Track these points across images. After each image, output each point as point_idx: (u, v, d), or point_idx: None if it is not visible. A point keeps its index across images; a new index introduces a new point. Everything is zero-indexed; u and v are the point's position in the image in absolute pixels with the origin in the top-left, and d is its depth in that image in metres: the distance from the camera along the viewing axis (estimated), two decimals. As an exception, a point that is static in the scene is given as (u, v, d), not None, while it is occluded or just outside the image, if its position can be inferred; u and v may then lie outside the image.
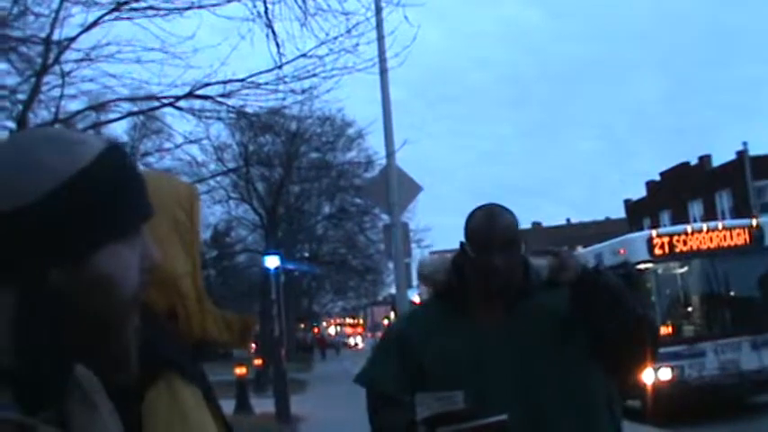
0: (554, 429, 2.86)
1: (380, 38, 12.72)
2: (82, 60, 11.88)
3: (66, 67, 11.91)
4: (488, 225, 2.91)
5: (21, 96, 12.31)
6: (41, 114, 12.44)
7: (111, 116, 12.77)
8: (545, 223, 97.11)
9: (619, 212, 65.82)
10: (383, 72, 13.54)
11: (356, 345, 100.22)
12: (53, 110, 12.31)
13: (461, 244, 3.03)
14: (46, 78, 11.86)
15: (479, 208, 3.02)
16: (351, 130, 34.32)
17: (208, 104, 11.85)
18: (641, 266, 15.31)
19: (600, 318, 2.81)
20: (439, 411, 2.63)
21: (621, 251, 15.81)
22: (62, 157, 1.15)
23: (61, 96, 12.00)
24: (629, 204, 60.24)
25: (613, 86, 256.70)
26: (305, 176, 33.85)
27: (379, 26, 12.53)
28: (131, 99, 12.20)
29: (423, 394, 2.71)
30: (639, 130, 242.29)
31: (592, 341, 2.84)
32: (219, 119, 13.12)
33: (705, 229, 15.75)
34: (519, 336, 2.91)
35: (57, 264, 1.12)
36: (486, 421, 2.59)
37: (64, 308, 1.13)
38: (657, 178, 55.69)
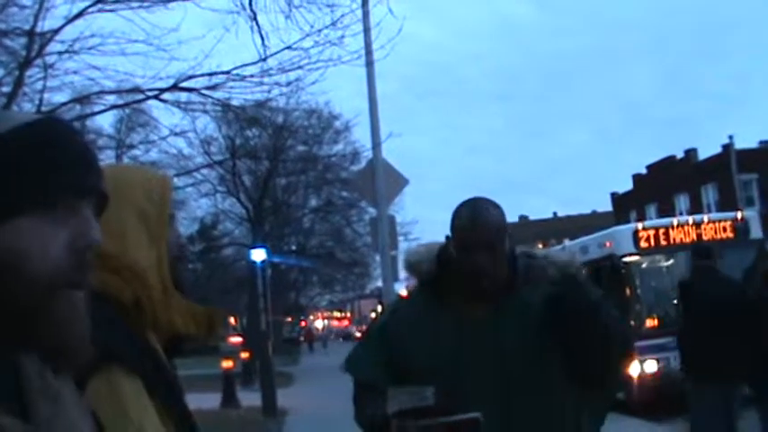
0: (523, 428, 2.85)
1: (366, 30, 12.68)
2: (66, 52, 11.82)
3: (50, 60, 11.86)
4: (472, 226, 2.86)
5: (5, 89, 12.25)
6: (26, 107, 12.35)
7: (96, 109, 12.70)
8: (532, 216, 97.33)
9: (605, 206, 65.96)
10: (369, 64, 13.50)
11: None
12: (36, 103, 12.22)
13: (447, 237, 3.00)
14: (30, 71, 11.79)
15: (464, 204, 2.96)
16: (337, 123, 34.33)
17: (193, 97, 11.82)
18: (627, 259, 15.34)
19: (573, 338, 2.77)
20: (408, 406, 2.65)
21: (608, 244, 15.83)
22: None
23: (43, 89, 11.93)
24: (615, 197, 60.30)
25: (603, 80, 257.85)
26: (291, 169, 33.76)
27: (365, 18, 12.50)
28: (116, 92, 12.13)
29: (395, 388, 2.75)
30: (627, 123, 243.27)
31: (562, 355, 2.81)
32: (205, 112, 13.08)
33: (691, 222, 15.78)
34: (500, 331, 2.89)
35: None
36: (458, 418, 2.59)
37: None
38: (644, 171, 55.79)
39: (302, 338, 79.48)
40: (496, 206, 2.94)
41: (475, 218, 2.87)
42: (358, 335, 71.39)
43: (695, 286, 8.81)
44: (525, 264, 2.97)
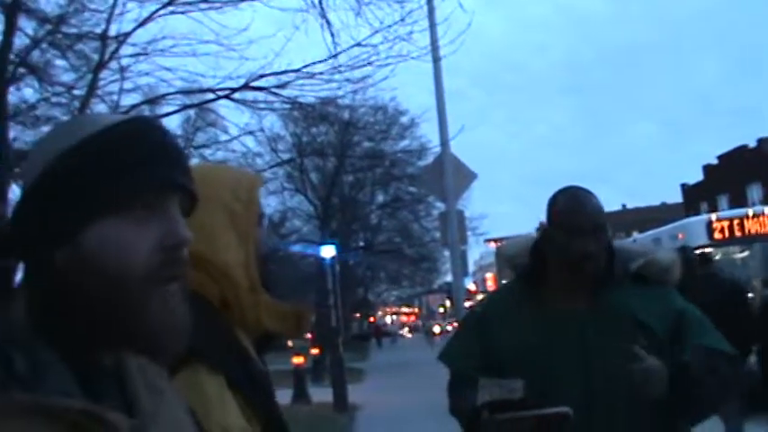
0: (605, 427, 2.81)
1: (432, 25, 12.67)
2: (138, 55, 12.01)
3: (123, 62, 12.04)
4: (577, 209, 2.85)
5: (76, 92, 12.48)
6: (98, 109, 12.56)
7: (167, 109, 12.86)
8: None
9: (675, 197, 65.08)
10: (436, 60, 13.49)
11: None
12: (109, 105, 12.42)
13: (543, 228, 2.98)
14: (102, 74, 11.99)
15: (563, 191, 2.95)
16: (403, 119, 34.33)
17: (262, 96, 11.91)
18: (700, 251, 15.05)
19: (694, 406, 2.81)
20: (497, 398, 2.64)
21: (680, 236, 15.45)
22: (55, 138, 1.16)
23: (120, 91, 12.12)
24: (685, 188, 59.34)
25: (672, 70, 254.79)
26: (358, 166, 33.89)
27: (431, 14, 12.50)
28: (187, 92, 12.28)
29: (485, 379, 2.72)
30: (697, 113, 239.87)
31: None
32: (273, 110, 13.16)
33: (766, 212, 15.46)
34: (593, 328, 2.86)
35: (50, 246, 1.11)
36: (546, 412, 2.58)
37: (69, 291, 1.11)
38: (715, 162, 54.82)
39: (383, 332, 79.91)
40: (594, 194, 2.93)
41: (578, 202, 2.88)
42: (436, 330, 71.22)
43: (698, 292, 9.70)
44: (624, 258, 2.95)
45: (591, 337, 2.85)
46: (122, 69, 11.92)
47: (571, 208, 2.87)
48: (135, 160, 1.16)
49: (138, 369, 1.23)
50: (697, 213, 35.27)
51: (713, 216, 15.69)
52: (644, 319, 2.84)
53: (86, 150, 1.14)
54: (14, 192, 10.64)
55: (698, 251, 10.86)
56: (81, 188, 1.12)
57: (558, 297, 2.94)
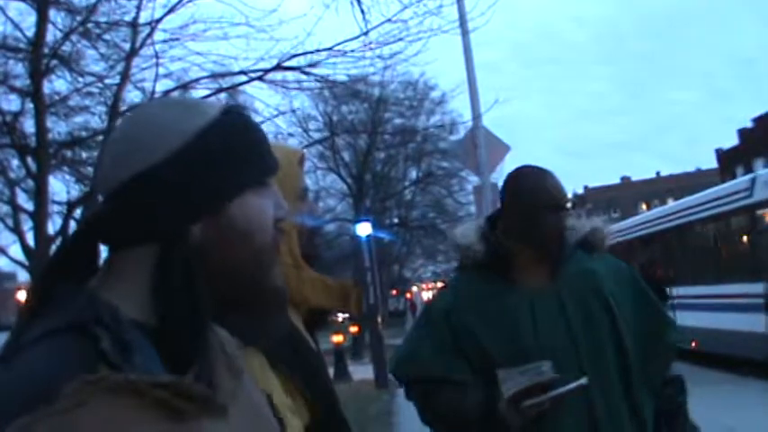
0: (593, 399, 2.74)
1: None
2: (170, 41, 12.07)
3: (156, 49, 12.09)
4: (543, 188, 2.83)
5: (108, 81, 12.59)
6: (130, 97, 12.67)
7: (199, 93, 12.91)
8: (634, 177, 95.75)
9: (710, 163, 64.37)
10: (465, 34, 13.44)
11: None
12: (140, 92, 12.52)
13: (504, 207, 2.96)
14: (134, 62, 12.05)
15: (522, 169, 2.94)
16: (434, 94, 34.11)
17: (293, 76, 11.94)
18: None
19: None
20: (528, 385, 2.57)
21: None
22: (186, 115, 1.19)
23: (156, 77, 12.18)
24: (720, 153, 58.61)
25: (711, 34, 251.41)
26: (390, 142, 33.79)
27: (458, -14, 12.44)
28: (221, 75, 12.32)
29: (506, 370, 2.63)
30: (737, 78, 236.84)
31: None
32: (304, 89, 13.15)
33: None
34: (566, 301, 2.83)
35: (194, 218, 1.16)
36: (568, 388, 2.57)
37: (207, 263, 1.16)
38: (750, 125, 54.05)
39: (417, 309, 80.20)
40: (552, 172, 2.93)
41: (544, 180, 2.86)
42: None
43: None
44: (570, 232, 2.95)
45: (569, 312, 2.82)
46: (157, 56, 11.98)
47: (538, 186, 2.83)
48: (258, 140, 1.27)
49: (218, 348, 1.26)
50: (733, 178, 34.83)
51: None
52: (608, 288, 2.88)
53: (220, 130, 1.20)
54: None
55: None
56: (229, 162, 1.19)
57: (525, 276, 2.89)
